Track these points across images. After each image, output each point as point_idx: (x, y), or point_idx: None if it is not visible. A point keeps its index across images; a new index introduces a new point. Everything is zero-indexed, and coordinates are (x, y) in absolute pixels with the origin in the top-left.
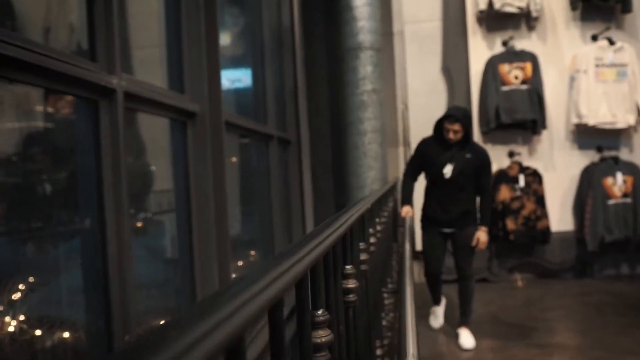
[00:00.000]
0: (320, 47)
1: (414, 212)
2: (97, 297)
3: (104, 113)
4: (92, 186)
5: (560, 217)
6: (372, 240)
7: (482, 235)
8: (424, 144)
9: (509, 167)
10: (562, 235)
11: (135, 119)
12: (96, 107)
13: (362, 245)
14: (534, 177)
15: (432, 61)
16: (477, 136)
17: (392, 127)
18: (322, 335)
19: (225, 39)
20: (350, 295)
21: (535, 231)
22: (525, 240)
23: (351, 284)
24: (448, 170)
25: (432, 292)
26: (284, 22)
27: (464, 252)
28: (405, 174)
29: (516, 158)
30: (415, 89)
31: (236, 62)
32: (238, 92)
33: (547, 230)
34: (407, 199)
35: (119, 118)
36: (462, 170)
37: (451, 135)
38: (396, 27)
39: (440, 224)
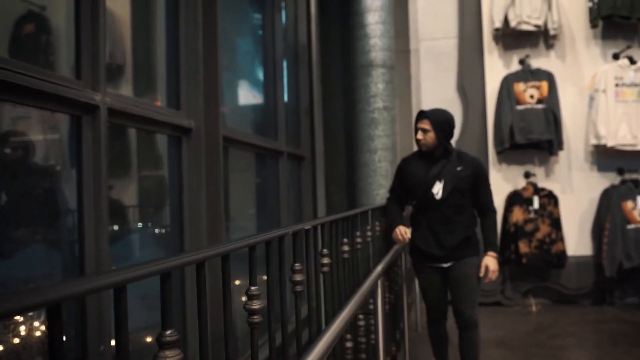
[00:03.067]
0: (337, 63)
1: (410, 231)
2: (73, 307)
3: (86, 129)
4: (73, 199)
5: (578, 240)
6: (325, 263)
7: (491, 263)
8: (405, 162)
9: (524, 189)
10: (580, 259)
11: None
12: (79, 122)
13: (297, 266)
14: (549, 199)
15: (448, 79)
16: (491, 156)
17: (408, 144)
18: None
19: (236, 55)
20: (255, 317)
21: (550, 255)
22: (540, 264)
23: (255, 305)
24: (438, 189)
25: (437, 353)
26: (300, 37)
27: (465, 292)
28: (389, 200)
29: (532, 179)
30: (430, 107)
31: (247, 78)
32: (249, 108)
33: (562, 254)
34: (398, 220)
35: (102, 133)
36: (456, 187)
37: (420, 136)
38: (412, 45)
39: (435, 258)
